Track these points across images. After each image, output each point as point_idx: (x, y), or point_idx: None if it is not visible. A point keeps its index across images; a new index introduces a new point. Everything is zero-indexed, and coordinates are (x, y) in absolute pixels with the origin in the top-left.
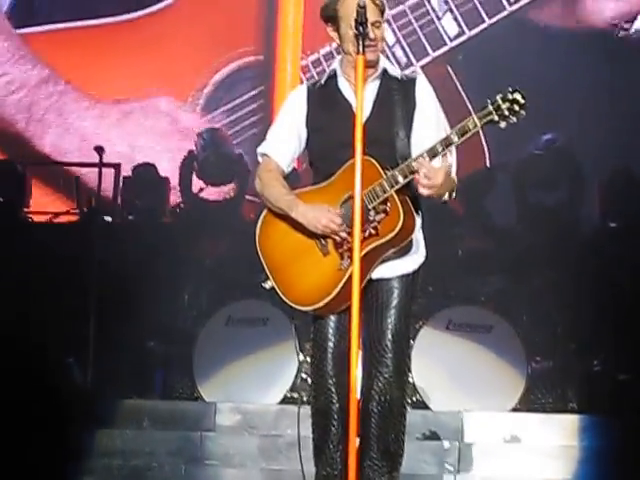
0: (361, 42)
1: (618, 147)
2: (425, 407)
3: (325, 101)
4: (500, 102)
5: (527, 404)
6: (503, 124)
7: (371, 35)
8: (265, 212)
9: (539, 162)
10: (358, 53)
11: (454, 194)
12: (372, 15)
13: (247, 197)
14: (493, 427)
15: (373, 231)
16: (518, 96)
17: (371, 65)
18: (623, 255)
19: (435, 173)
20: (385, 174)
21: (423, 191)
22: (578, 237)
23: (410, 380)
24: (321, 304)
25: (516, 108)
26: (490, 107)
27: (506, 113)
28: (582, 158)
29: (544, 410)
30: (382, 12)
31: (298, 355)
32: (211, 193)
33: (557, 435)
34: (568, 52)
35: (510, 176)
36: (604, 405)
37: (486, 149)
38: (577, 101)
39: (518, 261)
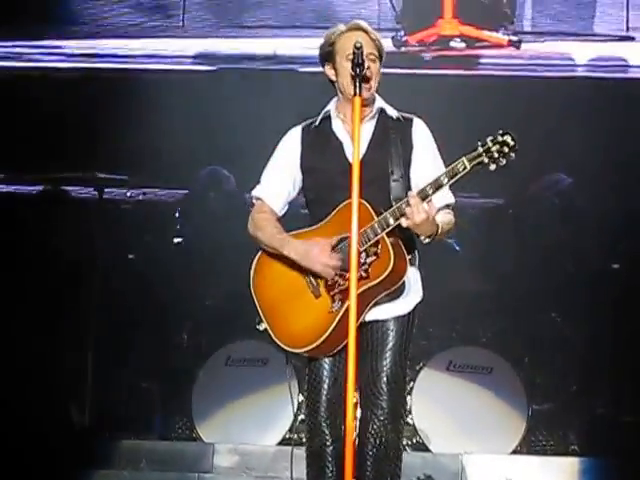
0: (358, 83)
1: (617, 188)
2: (425, 449)
3: (319, 143)
4: (490, 144)
5: (528, 446)
6: (493, 166)
7: (367, 73)
8: (259, 254)
9: (539, 202)
10: (355, 95)
11: (437, 237)
12: (367, 47)
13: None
14: (493, 470)
15: (364, 274)
16: (508, 138)
17: (366, 104)
18: (624, 296)
19: (417, 211)
20: (377, 216)
21: (402, 221)
22: (579, 278)
23: (408, 422)
24: (312, 346)
25: (506, 150)
26: (480, 149)
27: (496, 155)
28: (581, 200)
29: (545, 452)
30: (378, 47)
31: (297, 396)
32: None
33: (557, 478)
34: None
35: (510, 216)
36: (606, 448)
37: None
38: (574, 145)
39: (519, 302)
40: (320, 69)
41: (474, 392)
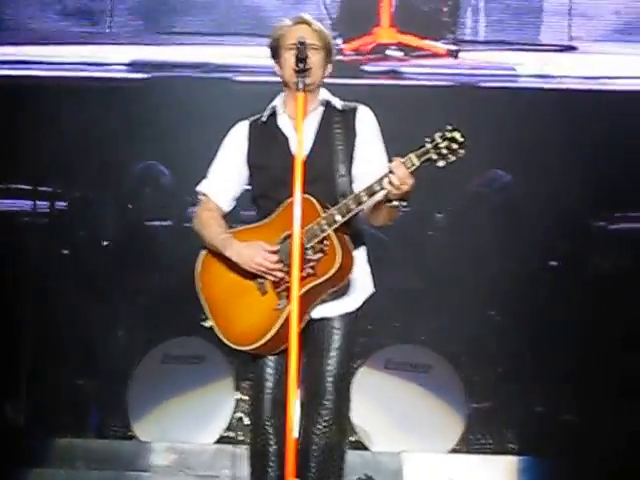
0: (301, 79)
1: (563, 193)
2: (364, 448)
3: (265, 138)
4: (439, 140)
5: (467, 445)
6: (442, 163)
7: (307, 64)
8: (205, 251)
9: (481, 200)
10: (298, 90)
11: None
12: (308, 39)
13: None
14: (433, 468)
15: (311, 270)
16: (457, 134)
17: (309, 90)
18: (564, 295)
19: (407, 176)
20: (324, 212)
21: (388, 189)
22: (519, 276)
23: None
24: (258, 344)
25: (454, 147)
26: (428, 145)
27: (444, 152)
28: (524, 199)
29: (484, 451)
30: (321, 38)
31: (235, 394)
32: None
33: (496, 477)
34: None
35: (450, 214)
36: (544, 446)
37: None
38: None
39: (457, 300)
40: (253, 78)
41: (413, 390)
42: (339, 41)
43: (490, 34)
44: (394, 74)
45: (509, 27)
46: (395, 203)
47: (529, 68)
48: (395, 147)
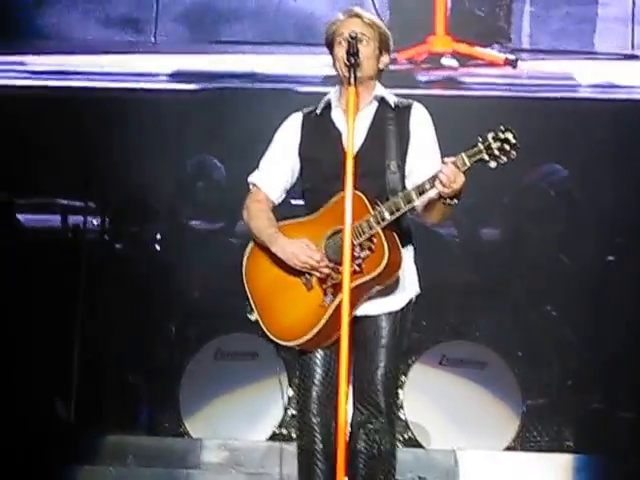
0: (352, 74)
1: (616, 186)
2: (418, 445)
3: (318, 131)
4: (491, 141)
5: (522, 443)
6: (493, 164)
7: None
8: (252, 243)
9: (536, 193)
10: (349, 84)
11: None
12: (360, 31)
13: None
14: (487, 466)
15: (357, 268)
16: (510, 135)
17: (361, 83)
18: (621, 291)
19: (457, 174)
20: (373, 209)
21: (440, 189)
22: (576, 272)
23: (401, 418)
24: (302, 340)
25: (507, 148)
26: (480, 145)
27: (496, 153)
28: (579, 192)
29: (539, 449)
30: (373, 30)
31: (287, 390)
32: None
33: (552, 475)
34: None
35: (507, 207)
36: (602, 444)
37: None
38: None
39: (513, 295)
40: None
41: (467, 387)
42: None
43: (547, 42)
44: (449, 83)
45: (567, 35)
46: (447, 201)
47: (589, 78)
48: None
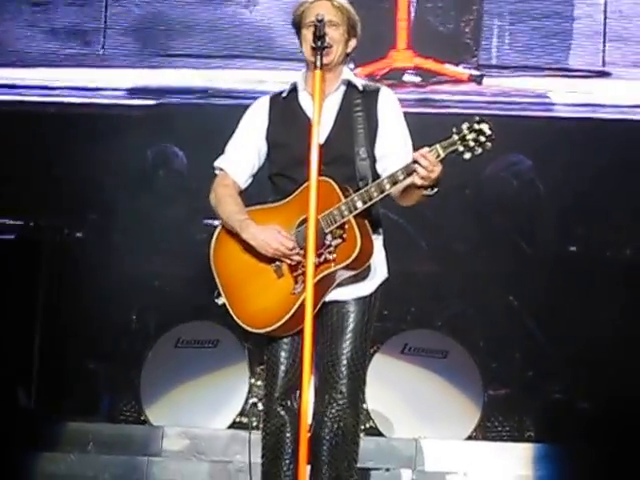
0: (319, 57)
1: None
2: (379, 434)
3: (286, 116)
4: (466, 132)
5: (483, 432)
6: (468, 155)
7: (327, 40)
8: (220, 228)
9: (500, 184)
10: (315, 68)
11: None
12: (328, 15)
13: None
14: (448, 455)
15: (329, 256)
16: (485, 127)
17: (328, 74)
18: (582, 280)
19: (435, 164)
20: (344, 197)
21: (416, 180)
22: (537, 261)
23: (364, 406)
24: (271, 328)
25: (482, 139)
26: (455, 137)
27: (471, 144)
28: (544, 184)
29: (501, 439)
30: (342, 14)
31: (249, 379)
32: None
33: (513, 464)
34: None
35: (469, 197)
36: (562, 434)
37: None
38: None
39: (475, 285)
40: None
41: (429, 376)
42: (351, 65)
43: (516, 59)
44: (414, 101)
45: (537, 51)
46: (427, 192)
47: (560, 95)
48: None
